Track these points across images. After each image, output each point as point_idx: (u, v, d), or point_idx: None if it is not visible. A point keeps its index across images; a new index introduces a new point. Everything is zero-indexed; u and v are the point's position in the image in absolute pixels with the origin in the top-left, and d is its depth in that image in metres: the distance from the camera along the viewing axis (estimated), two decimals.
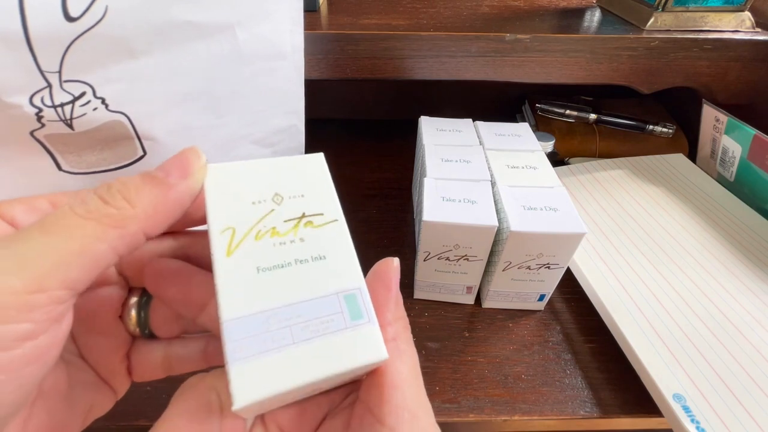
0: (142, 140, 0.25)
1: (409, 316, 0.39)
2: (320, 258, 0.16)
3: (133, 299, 0.18)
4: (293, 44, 0.29)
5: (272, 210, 0.17)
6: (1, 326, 0.11)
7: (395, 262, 0.17)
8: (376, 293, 0.16)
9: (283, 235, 0.16)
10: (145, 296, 0.19)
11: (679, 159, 0.51)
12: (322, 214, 0.17)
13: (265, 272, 0.15)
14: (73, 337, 0.17)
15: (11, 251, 0.12)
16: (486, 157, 0.38)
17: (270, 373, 0.14)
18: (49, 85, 0.21)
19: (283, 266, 0.16)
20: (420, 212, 0.34)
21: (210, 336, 0.19)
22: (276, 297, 0.15)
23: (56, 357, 0.14)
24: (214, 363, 0.18)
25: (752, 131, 0.42)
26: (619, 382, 0.32)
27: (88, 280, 0.13)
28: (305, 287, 0.15)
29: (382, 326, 0.16)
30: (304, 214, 0.17)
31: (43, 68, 0.20)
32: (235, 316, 0.14)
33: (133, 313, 0.18)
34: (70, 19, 0.20)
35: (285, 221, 0.16)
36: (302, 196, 0.17)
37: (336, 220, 0.17)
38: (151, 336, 0.19)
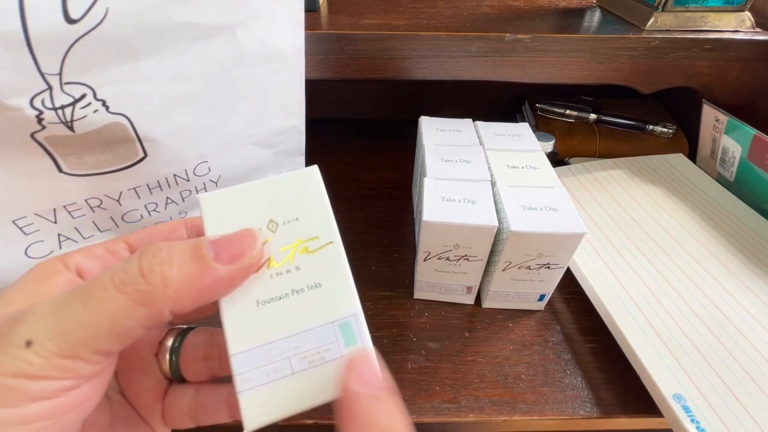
0: (143, 142, 0.25)
1: (409, 316, 0.40)
2: (316, 286, 0.17)
3: (169, 341, 0.19)
4: (294, 45, 0.29)
5: (268, 239, 0.17)
6: (44, 382, 0.13)
7: (357, 355, 0.16)
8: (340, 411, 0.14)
9: (280, 265, 0.17)
10: (178, 340, 0.19)
11: (679, 159, 0.51)
12: (317, 238, 0.17)
13: (265, 305, 0.16)
14: (115, 374, 0.18)
15: (54, 319, 0.13)
16: (486, 157, 0.38)
17: (273, 402, 0.15)
18: (50, 87, 0.21)
19: (280, 298, 0.16)
20: (420, 212, 0.34)
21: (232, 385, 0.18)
22: (275, 329, 0.16)
23: (97, 402, 0.15)
24: (236, 415, 0.18)
25: (752, 131, 0.42)
26: (619, 382, 0.32)
27: (119, 347, 0.14)
28: (302, 318, 0.16)
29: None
30: (299, 239, 0.17)
31: (44, 70, 0.20)
32: (240, 350, 0.16)
33: (167, 356, 0.19)
34: (70, 20, 0.20)
35: (281, 250, 0.17)
36: (297, 219, 0.17)
37: (331, 243, 0.17)
38: (183, 380, 0.19)
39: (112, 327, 0.13)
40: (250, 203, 0.17)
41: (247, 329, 0.16)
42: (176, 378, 0.19)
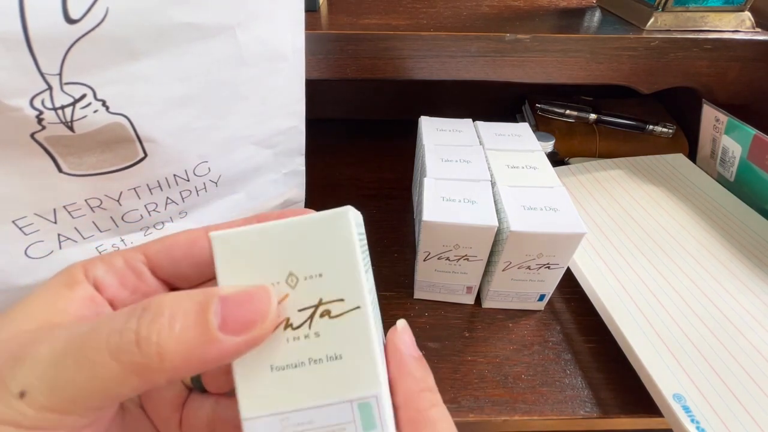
0: (143, 142, 0.25)
1: (409, 316, 0.40)
2: (336, 358, 0.15)
3: None
4: (294, 45, 0.29)
5: (286, 295, 0.15)
6: None
7: (399, 326, 0.18)
8: (389, 368, 0.16)
9: (297, 329, 0.15)
10: None
11: (679, 159, 0.51)
12: (342, 300, 0.15)
13: (279, 371, 0.15)
14: None
15: (48, 373, 0.13)
16: (486, 157, 0.38)
17: None
18: (50, 88, 0.21)
19: (296, 366, 0.15)
20: (420, 212, 0.34)
21: None
22: (289, 400, 0.15)
23: None
24: None
25: (752, 131, 0.42)
26: (619, 382, 0.32)
27: (113, 405, 0.14)
28: (318, 391, 0.15)
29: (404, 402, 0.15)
30: (321, 300, 0.15)
31: (44, 70, 0.20)
32: (252, 416, 0.15)
33: None
34: (70, 21, 0.20)
35: (299, 310, 0.15)
36: (320, 275, 0.15)
37: (357, 308, 0.15)
38: (203, 391, 0.19)
39: (103, 392, 0.13)
40: (270, 249, 0.15)
41: (259, 394, 0.15)
42: (197, 388, 0.19)
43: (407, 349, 0.17)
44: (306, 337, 0.15)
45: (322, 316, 0.15)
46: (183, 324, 0.13)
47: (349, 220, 0.15)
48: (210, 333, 0.13)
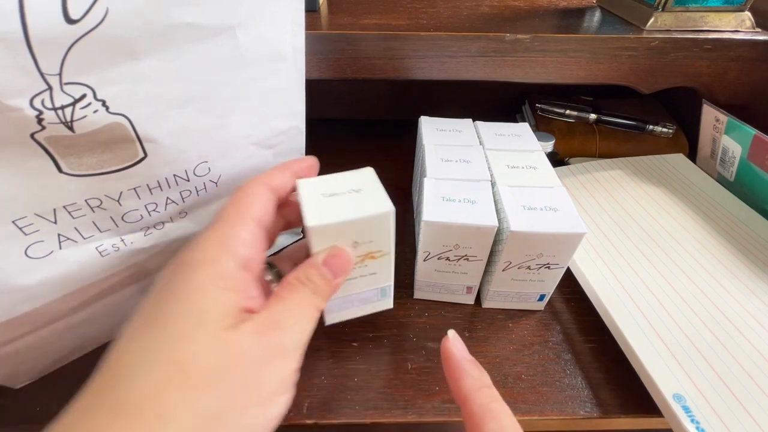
0: (143, 142, 0.25)
1: (409, 316, 0.40)
2: (374, 274, 0.28)
3: (268, 275, 0.27)
4: (294, 45, 0.29)
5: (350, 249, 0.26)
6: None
7: (450, 335, 0.25)
8: (450, 379, 0.23)
9: (358, 264, 0.27)
10: (274, 272, 0.27)
11: (679, 159, 0.51)
12: (381, 251, 0.27)
13: (347, 281, 0.27)
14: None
15: (281, 316, 0.21)
16: (486, 157, 0.38)
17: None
18: (50, 88, 0.21)
19: (356, 278, 0.28)
20: (420, 212, 0.34)
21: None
22: (351, 290, 0.29)
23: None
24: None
25: (752, 131, 0.42)
26: (619, 382, 0.32)
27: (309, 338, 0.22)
28: (365, 286, 0.29)
29: (465, 398, 0.21)
30: (369, 251, 0.26)
31: (44, 70, 0.20)
32: (333, 298, 0.28)
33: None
34: (70, 21, 0.20)
35: (358, 256, 0.26)
36: (371, 241, 0.26)
37: (388, 254, 0.27)
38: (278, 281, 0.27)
39: (310, 315, 0.23)
40: (345, 231, 0.25)
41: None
42: (276, 281, 0.27)
43: (461, 353, 0.23)
44: (361, 267, 0.27)
45: (370, 258, 0.27)
46: (331, 276, 0.24)
47: (393, 216, 0.25)
48: (331, 281, 0.24)
